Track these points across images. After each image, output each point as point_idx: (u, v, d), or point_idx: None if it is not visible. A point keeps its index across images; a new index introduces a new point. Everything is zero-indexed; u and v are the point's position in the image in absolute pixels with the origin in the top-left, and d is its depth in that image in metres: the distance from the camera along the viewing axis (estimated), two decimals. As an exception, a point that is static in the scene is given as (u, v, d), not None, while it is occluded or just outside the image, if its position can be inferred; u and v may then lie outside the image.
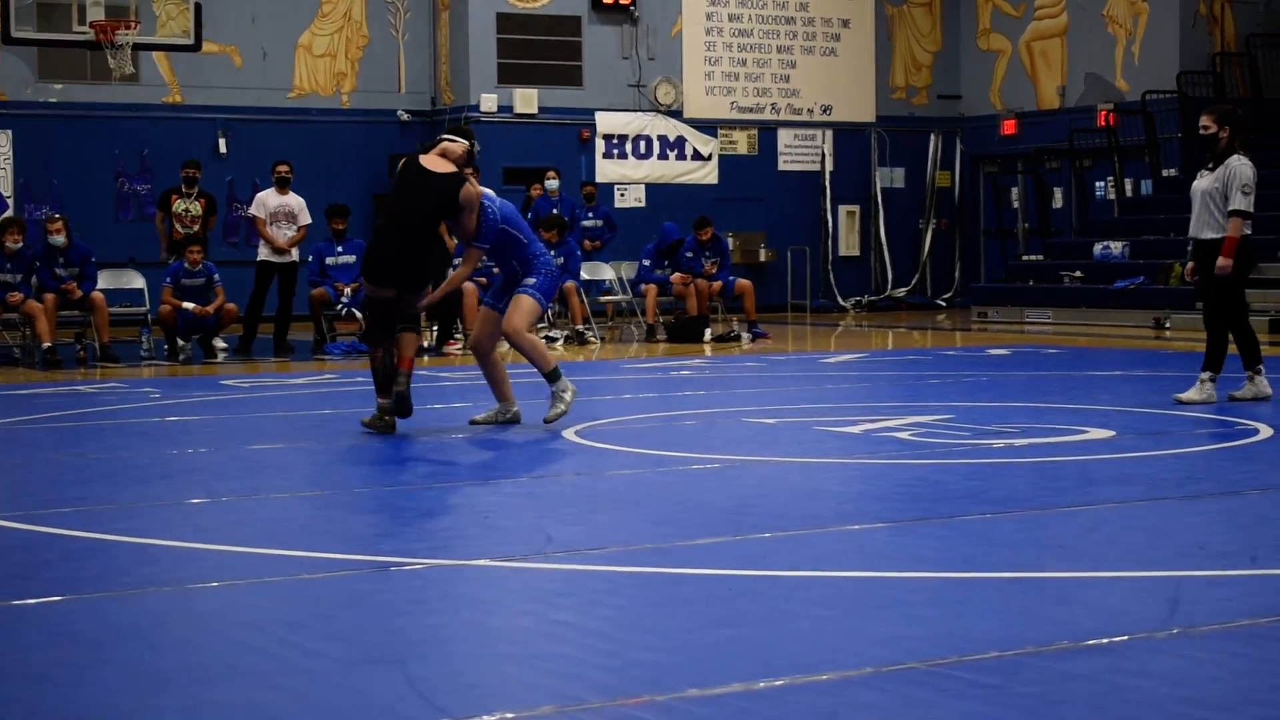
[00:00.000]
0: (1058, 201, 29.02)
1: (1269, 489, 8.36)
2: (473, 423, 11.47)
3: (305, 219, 19.96)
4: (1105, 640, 5.18)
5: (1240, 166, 12.20)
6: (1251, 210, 12.21)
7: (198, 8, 22.30)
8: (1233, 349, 12.42)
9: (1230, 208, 12.15)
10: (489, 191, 11.37)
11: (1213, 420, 11.37)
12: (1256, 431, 10.65)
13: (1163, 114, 26.35)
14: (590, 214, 23.83)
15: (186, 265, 18.74)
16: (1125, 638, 5.22)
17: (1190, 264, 12.65)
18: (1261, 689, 4.67)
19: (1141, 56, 27.62)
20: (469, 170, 11.15)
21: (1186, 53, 27.02)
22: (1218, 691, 4.67)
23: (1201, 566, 6.41)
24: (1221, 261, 12.13)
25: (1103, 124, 27.49)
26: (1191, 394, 12.23)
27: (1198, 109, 26.01)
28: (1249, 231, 12.26)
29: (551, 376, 11.34)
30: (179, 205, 20.02)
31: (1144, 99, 26.26)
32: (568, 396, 11.28)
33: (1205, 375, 12.27)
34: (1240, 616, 5.48)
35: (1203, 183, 12.35)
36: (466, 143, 11.18)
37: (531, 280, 11.35)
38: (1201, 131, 12.46)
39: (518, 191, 24.70)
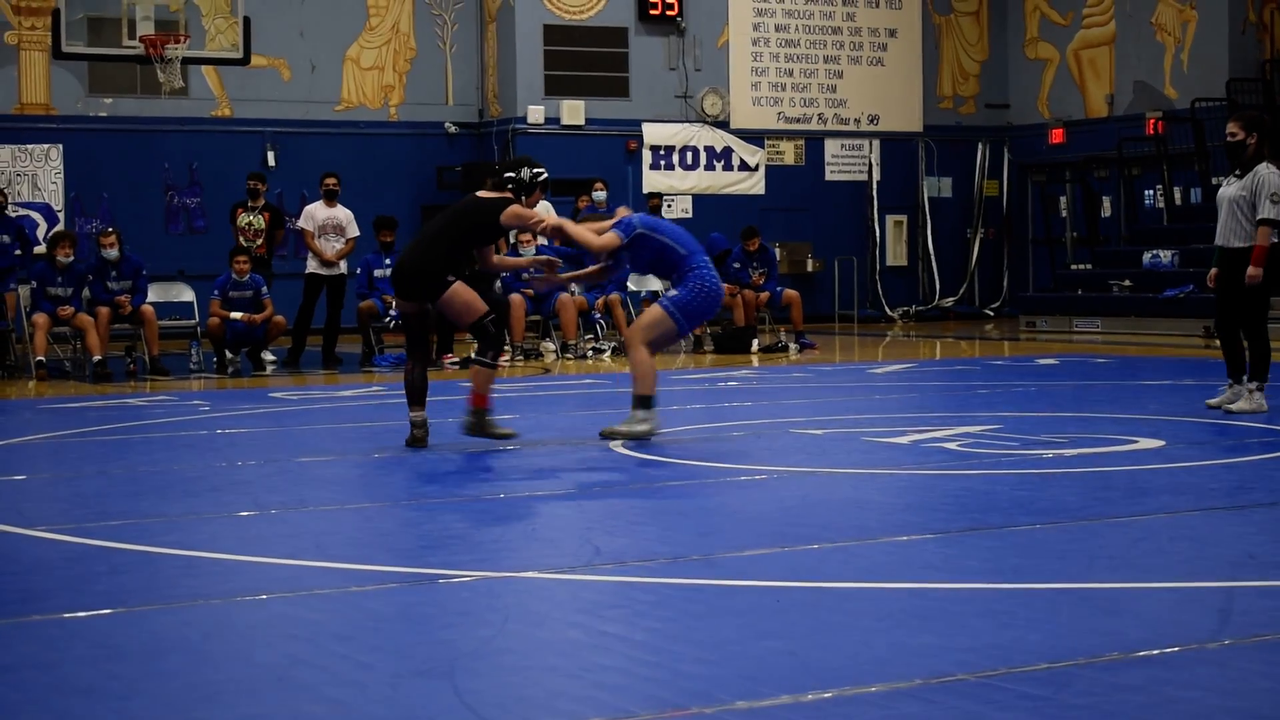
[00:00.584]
0: (1106, 210, 28.92)
1: (1320, 499, 8.31)
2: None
3: (353, 231, 20.03)
4: (1155, 651, 5.16)
5: (1269, 175, 12.11)
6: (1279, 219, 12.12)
7: (247, 21, 22.44)
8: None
9: (1259, 216, 12.07)
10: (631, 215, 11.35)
11: (1263, 429, 11.30)
12: (1308, 441, 10.58)
13: (1212, 122, 26.20)
14: None
15: (234, 276, 18.82)
16: (1176, 649, 5.19)
17: (1213, 270, 12.55)
18: (1313, 701, 4.65)
19: (1190, 64, 27.50)
20: (534, 195, 11.18)
21: (1236, 60, 26.88)
22: (1269, 703, 4.64)
23: (1252, 577, 6.38)
24: (1252, 271, 12.04)
25: (1151, 132, 27.37)
26: (1241, 404, 12.16)
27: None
28: (1276, 240, 12.17)
29: (642, 403, 11.00)
30: (243, 219, 20.13)
31: (1193, 107, 26.14)
32: (641, 428, 10.95)
33: (1253, 385, 12.20)
34: (1292, 627, 5.45)
35: (1230, 190, 12.28)
36: (514, 175, 11.17)
37: (674, 292, 11.06)
38: (1229, 138, 12.39)
39: (566, 203, 24.73)
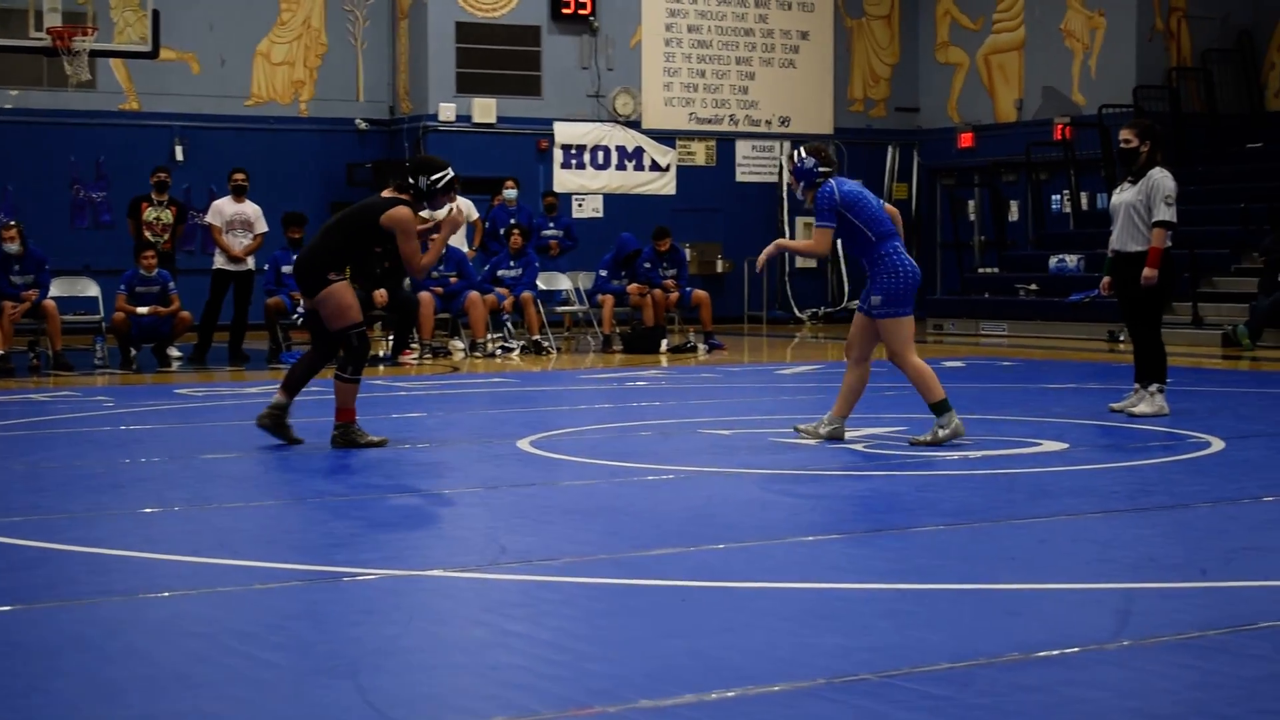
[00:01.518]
0: (1014, 214, 29.13)
1: (1219, 502, 8.41)
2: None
3: (261, 227, 19.91)
4: (1056, 652, 5.20)
5: (1162, 179, 12.27)
6: (1175, 221, 12.30)
7: (156, 14, 22.24)
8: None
9: (1155, 219, 12.20)
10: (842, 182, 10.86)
11: (1165, 433, 11.42)
12: (1208, 444, 10.70)
13: (1119, 128, 26.36)
14: (551, 224, 23.84)
15: (141, 272, 18.67)
16: (1076, 649, 5.24)
17: (1107, 279, 12.70)
18: (1212, 701, 4.70)
19: (1098, 71, 27.75)
20: (443, 199, 10.91)
21: (1143, 67, 27.16)
22: (1168, 704, 4.69)
23: (1152, 579, 6.45)
24: (1148, 272, 12.17)
25: (1059, 137, 27.60)
26: (1143, 407, 12.29)
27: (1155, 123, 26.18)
28: (1169, 244, 12.33)
29: (938, 408, 10.66)
30: (150, 213, 19.95)
31: (1100, 113, 26.38)
32: (944, 433, 10.58)
33: (1153, 387, 12.34)
34: (1190, 629, 5.51)
35: (1125, 196, 12.41)
36: (412, 183, 10.85)
37: (877, 299, 10.76)
38: (1122, 145, 12.53)
39: (479, 200, 24.69)
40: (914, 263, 10.88)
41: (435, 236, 11.04)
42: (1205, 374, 13.68)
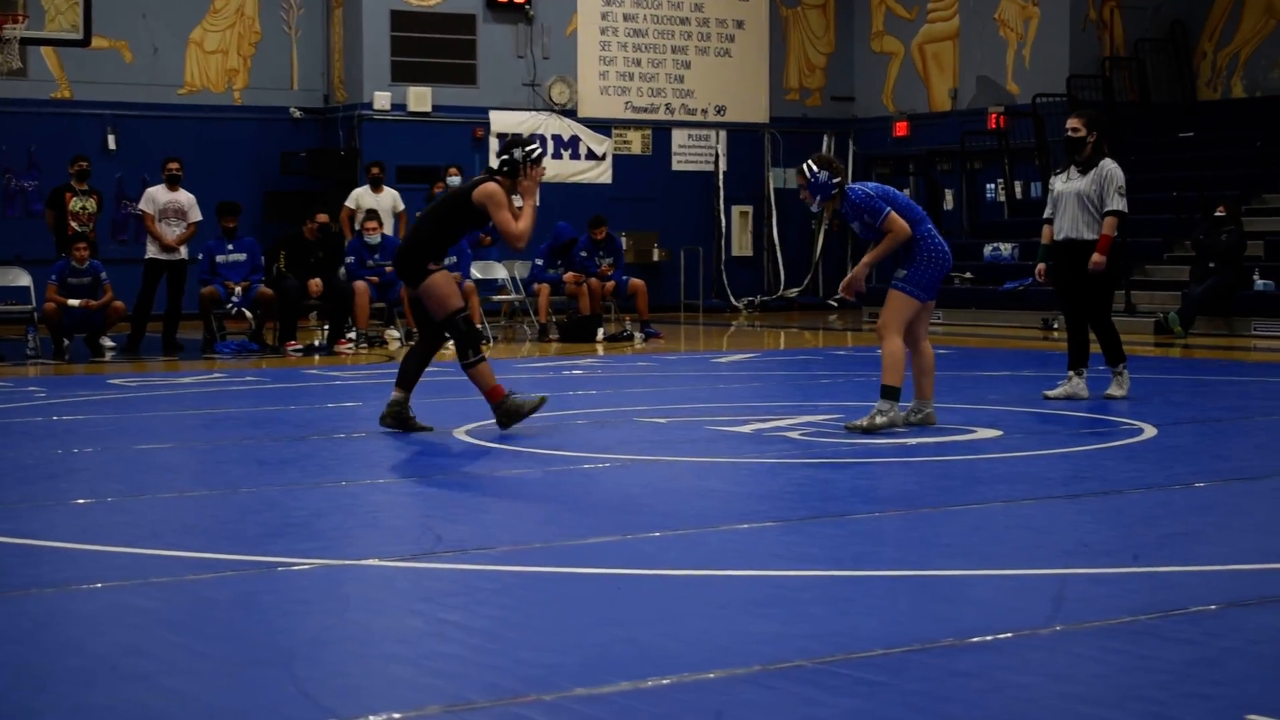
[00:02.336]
0: (949, 203, 29.25)
1: (1151, 488, 8.47)
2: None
3: (195, 216, 19.78)
4: (990, 637, 5.23)
5: (1115, 169, 12.49)
6: (1127, 211, 12.55)
7: (87, 2, 22.05)
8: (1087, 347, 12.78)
9: (1109, 209, 12.41)
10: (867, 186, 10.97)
11: (1098, 420, 11.50)
12: (1141, 431, 10.78)
13: (1053, 117, 26.57)
14: None
15: (74, 263, 18.54)
16: (1009, 635, 5.27)
17: (1041, 265, 12.84)
18: (1143, 684, 4.73)
19: (1032, 60, 27.87)
20: (533, 173, 10.90)
21: (1076, 57, 27.29)
22: (1100, 687, 4.72)
23: (1085, 564, 6.49)
24: (1097, 258, 12.38)
25: (993, 126, 27.72)
26: (1114, 389, 12.61)
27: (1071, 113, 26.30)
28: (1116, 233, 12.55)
29: (888, 393, 10.65)
30: (75, 204, 19.82)
31: (1034, 102, 26.50)
32: (880, 420, 10.59)
33: (1120, 367, 12.65)
34: (1122, 613, 5.55)
35: (1076, 185, 12.55)
36: (507, 156, 10.95)
37: (903, 272, 10.79)
38: (1070, 134, 12.67)
39: (411, 190, 24.63)
40: (947, 246, 11.07)
41: (525, 205, 11.01)
42: (1138, 361, 13.78)
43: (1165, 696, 4.61)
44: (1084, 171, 12.55)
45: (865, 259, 11.04)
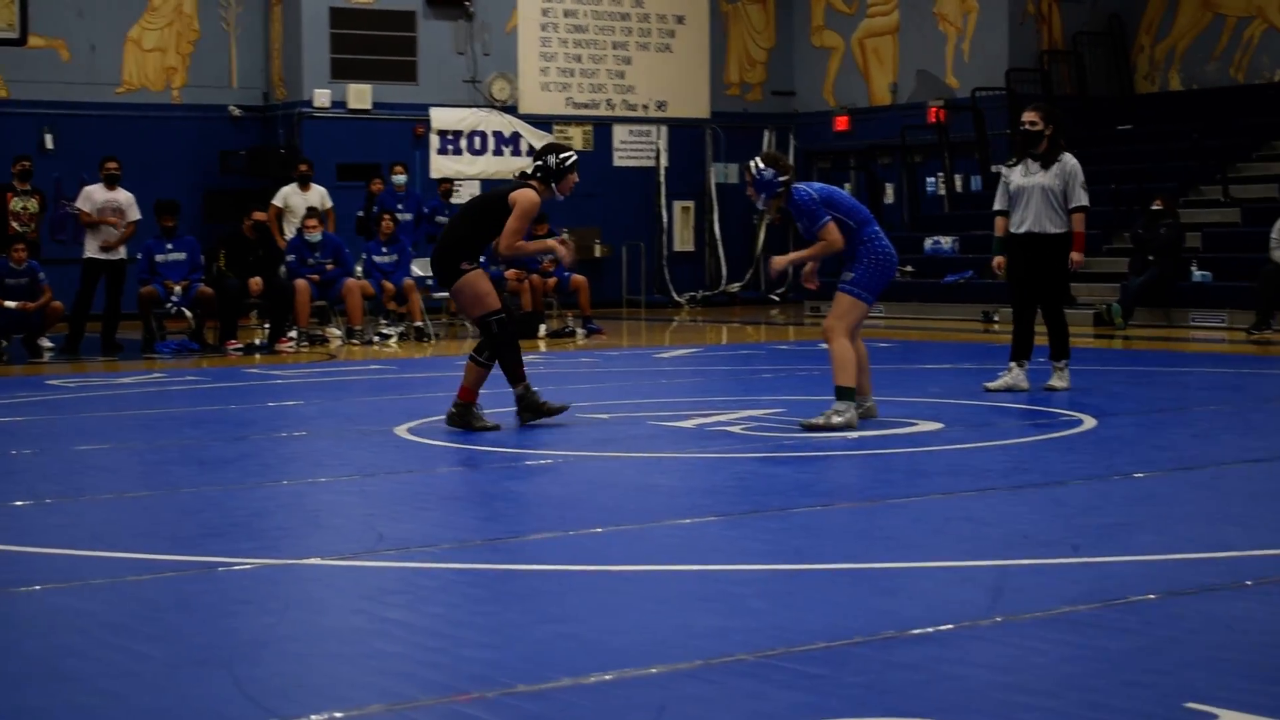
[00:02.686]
0: (889, 197, 29.33)
1: (1091, 479, 8.52)
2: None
3: (134, 215, 19.65)
4: (930, 629, 5.25)
5: (1076, 164, 12.66)
6: (1089, 205, 12.79)
7: (23, 1, 21.91)
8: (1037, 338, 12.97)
9: (1076, 204, 12.58)
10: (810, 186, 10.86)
11: (1038, 411, 11.56)
12: (1080, 422, 10.84)
13: (992, 110, 26.71)
14: (447, 211, 23.75)
15: (11, 264, 18.41)
16: (950, 626, 5.29)
17: (1000, 258, 12.92)
18: (1082, 674, 4.76)
19: (971, 54, 27.98)
20: (566, 180, 11.05)
21: (1015, 50, 27.40)
22: (1039, 678, 4.75)
23: (1025, 555, 6.52)
24: (1077, 256, 12.61)
25: (933, 120, 27.81)
26: (1056, 381, 12.77)
27: (1026, 106, 26.44)
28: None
29: (843, 393, 10.57)
30: (16, 204, 19.68)
31: (974, 96, 26.60)
32: (837, 420, 10.43)
33: (1061, 364, 12.82)
34: (1061, 604, 5.58)
35: (1039, 179, 12.63)
36: (541, 163, 11.04)
37: (850, 274, 10.75)
38: (1028, 128, 12.74)
39: (352, 188, 24.58)
40: (893, 247, 11.03)
41: (539, 242, 11.02)
42: (1078, 353, 13.84)
43: (1104, 686, 4.64)
44: (1045, 166, 12.64)
45: (802, 253, 11.02)
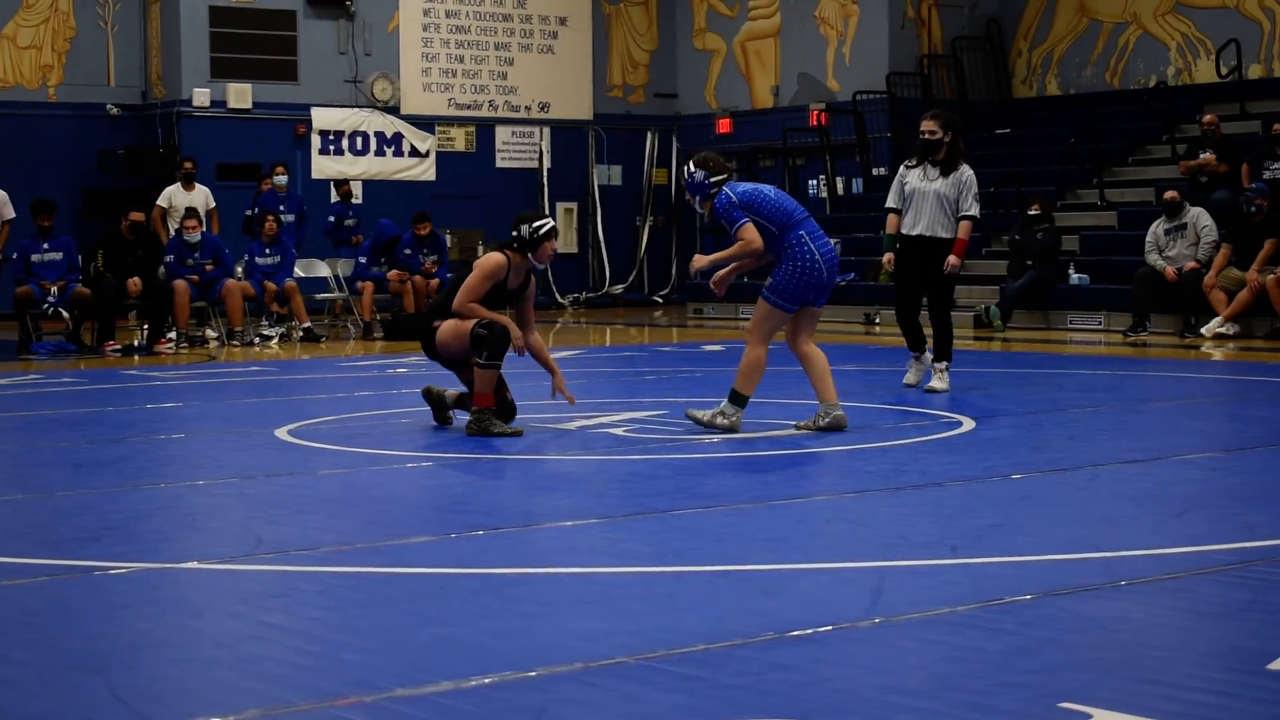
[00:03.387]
0: (771, 199, 29.43)
1: (970, 480, 8.59)
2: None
3: (8, 214, 19.43)
4: (810, 631, 5.28)
5: (972, 175, 13.03)
6: (979, 217, 13.21)
7: (-106, -4, 21.58)
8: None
9: (967, 213, 12.94)
10: (744, 186, 10.56)
11: (918, 413, 11.64)
12: (959, 424, 10.94)
13: (873, 114, 26.92)
14: (352, 214, 23.61)
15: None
16: (829, 628, 5.32)
17: (890, 255, 13.11)
18: (960, 675, 4.80)
19: (852, 57, 28.17)
20: (543, 248, 10.81)
21: (895, 54, 27.62)
22: (917, 679, 4.78)
23: (904, 557, 6.57)
24: (954, 260, 12.90)
25: (815, 123, 27.99)
26: (937, 383, 13.03)
27: (907, 109, 26.71)
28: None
29: (736, 399, 10.43)
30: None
31: (855, 99, 26.79)
32: (721, 422, 10.35)
33: (942, 365, 13.11)
34: (940, 605, 5.62)
35: (935, 185, 12.94)
36: (515, 234, 10.79)
37: (769, 280, 10.46)
38: (927, 136, 13.05)
39: (233, 188, 24.38)
40: (828, 248, 10.58)
41: (494, 314, 10.72)
42: (957, 355, 13.98)
43: (981, 686, 4.68)
44: (945, 173, 12.94)
45: (721, 254, 10.58)
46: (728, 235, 10.64)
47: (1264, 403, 12.62)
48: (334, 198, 24.18)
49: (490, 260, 10.82)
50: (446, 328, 10.72)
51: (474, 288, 10.75)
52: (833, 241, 11.06)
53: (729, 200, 10.41)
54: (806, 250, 10.39)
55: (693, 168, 10.58)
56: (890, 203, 13.28)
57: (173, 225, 21.29)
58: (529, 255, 10.83)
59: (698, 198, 10.60)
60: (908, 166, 13.27)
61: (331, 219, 23.58)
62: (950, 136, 12.96)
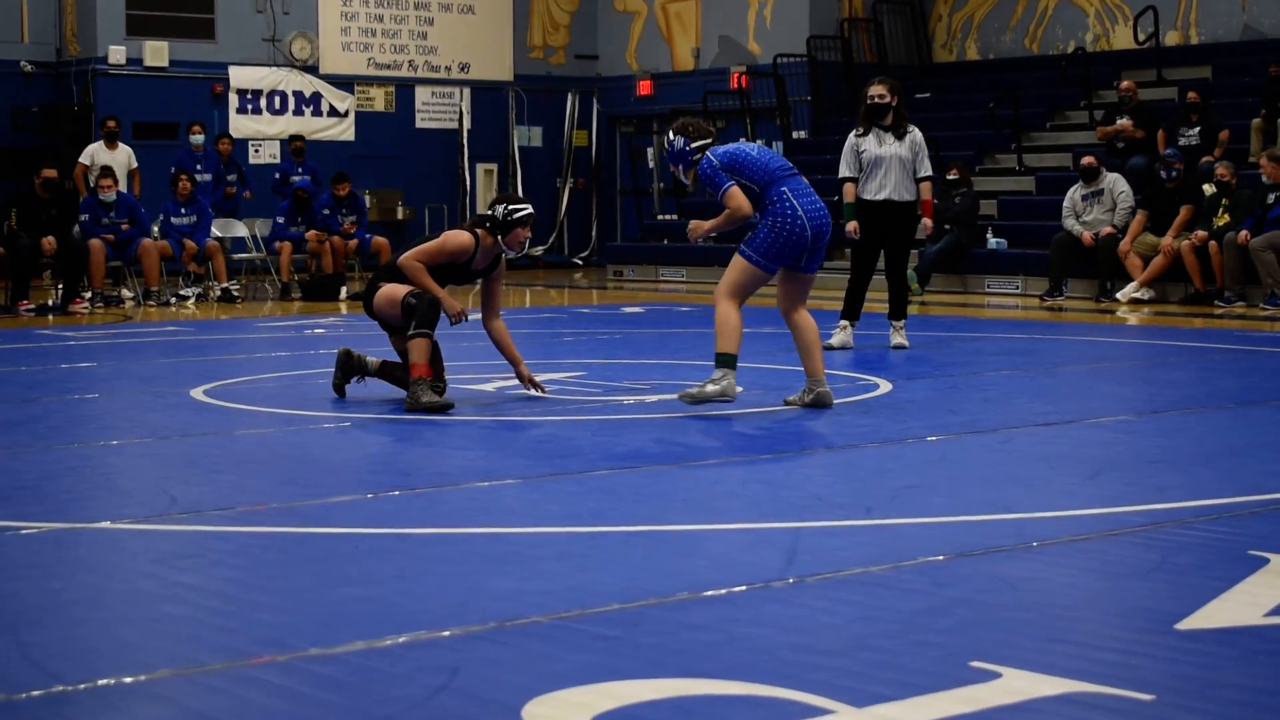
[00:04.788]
0: (692, 162, 29.43)
1: (884, 442, 8.64)
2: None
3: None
4: (724, 590, 5.30)
5: (921, 136, 13.65)
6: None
7: None
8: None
9: (925, 174, 13.58)
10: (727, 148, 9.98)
11: (835, 376, 11.67)
12: (876, 387, 10.99)
13: (793, 77, 26.93)
14: (300, 169, 23.43)
15: None
16: (744, 588, 5.34)
17: (854, 223, 13.61)
18: (872, 634, 4.83)
19: (773, 20, 28.17)
20: (516, 233, 10.38)
21: (816, 18, 27.64)
22: (830, 637, 4.81)
23: (819, 518, 6.60)
24: (929, 222, 13.82)
25: (735, 86, 27.98)
26: (899, 339, 13.70)
27: (827, 73, 26.77)
28: None
29: (720, 361, 9.83)
30: None
31: (775, 62, 26.80)
32: (711, 389, 9.68)
33: (900, 323, 13.79)
34: (853, 565, 5.65)
35: (895, 149, 13.49)
36: (489, 215, 10.44)
37: (747, 235, 9.91)
38: (877, 101, 13.53)
39: (149, 147, 24.16)
40: (815, 207, 9.89)
41: (441, 290, 10.38)
42: (876, 319, 14.06)
43: (893, 645, 4.71)
44: (899, 137, 13.48)
45: (715, 221, 9.95)
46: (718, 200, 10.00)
47: (1177, 367, 12.74)
48: (279, 158, 23.98)
49: (456, 239, 10.40)
50: (383, 293, 10.34)
51: (428, 252, 10.31)
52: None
53: (712, 165, 9.85)
54: (788, 206, 9.78)
55: (673, 135, 10.09)
56: (846, 172, 13.65)
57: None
58: (499, 238, 10.44)
59: (680, 166, 10.09)
60: (858, 134, 13.64)
61: (277, 175, 23.46)
62: (896, 100, 13.49)
